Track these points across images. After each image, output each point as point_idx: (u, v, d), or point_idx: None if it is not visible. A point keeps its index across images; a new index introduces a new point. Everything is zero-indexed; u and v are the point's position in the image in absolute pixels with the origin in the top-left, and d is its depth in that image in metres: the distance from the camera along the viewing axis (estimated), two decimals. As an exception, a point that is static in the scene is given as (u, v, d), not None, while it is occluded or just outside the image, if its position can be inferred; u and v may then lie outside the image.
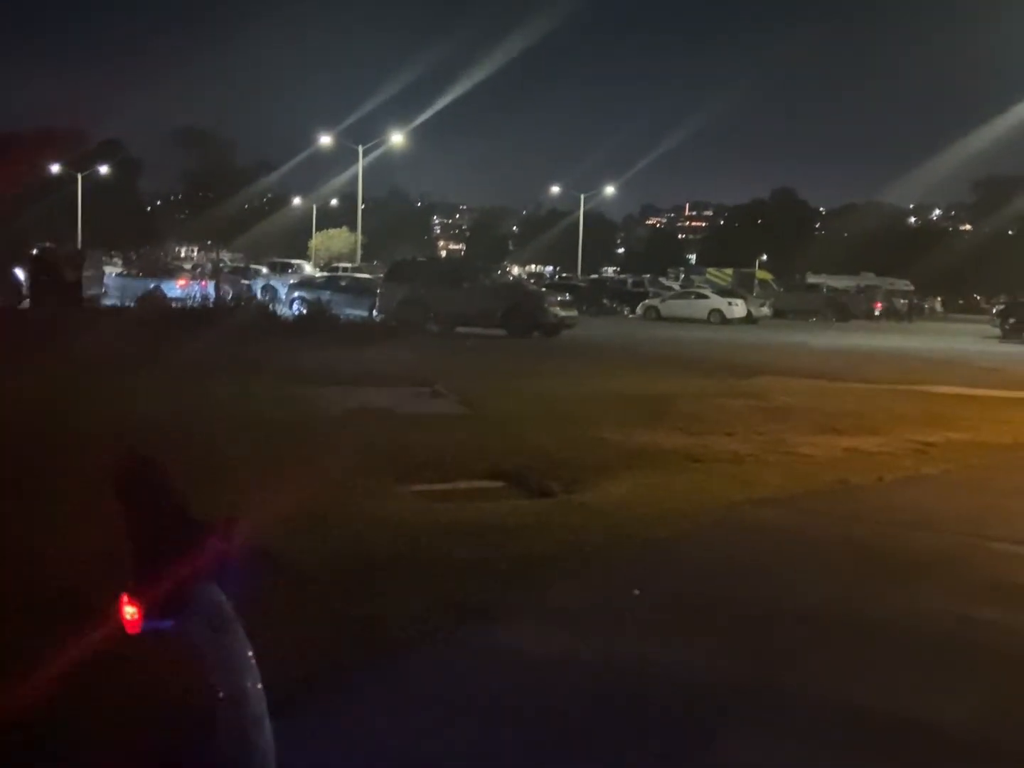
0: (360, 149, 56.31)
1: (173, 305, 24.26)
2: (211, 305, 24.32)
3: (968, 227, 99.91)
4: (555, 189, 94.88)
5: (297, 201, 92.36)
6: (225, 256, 73.86)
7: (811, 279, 62.27)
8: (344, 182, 77.61)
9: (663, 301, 44.38)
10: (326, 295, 28.81)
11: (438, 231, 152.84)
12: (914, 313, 56.57)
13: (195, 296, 25.42)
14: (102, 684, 3.41)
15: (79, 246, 53.20)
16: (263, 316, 23.25)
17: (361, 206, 59.27)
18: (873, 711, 3.74)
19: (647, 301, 44.99)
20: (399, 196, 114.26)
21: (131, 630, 1.40)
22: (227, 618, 1.45)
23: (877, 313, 52.79)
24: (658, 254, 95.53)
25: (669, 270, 68.71)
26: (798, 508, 7.16)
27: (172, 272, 41.37)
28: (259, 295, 35.50)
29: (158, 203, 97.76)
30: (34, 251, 30.59)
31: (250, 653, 1.45)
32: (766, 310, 47.50)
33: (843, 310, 50.26)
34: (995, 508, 7.42)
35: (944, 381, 17.31)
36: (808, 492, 7.68)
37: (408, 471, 7.65)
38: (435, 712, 3.65)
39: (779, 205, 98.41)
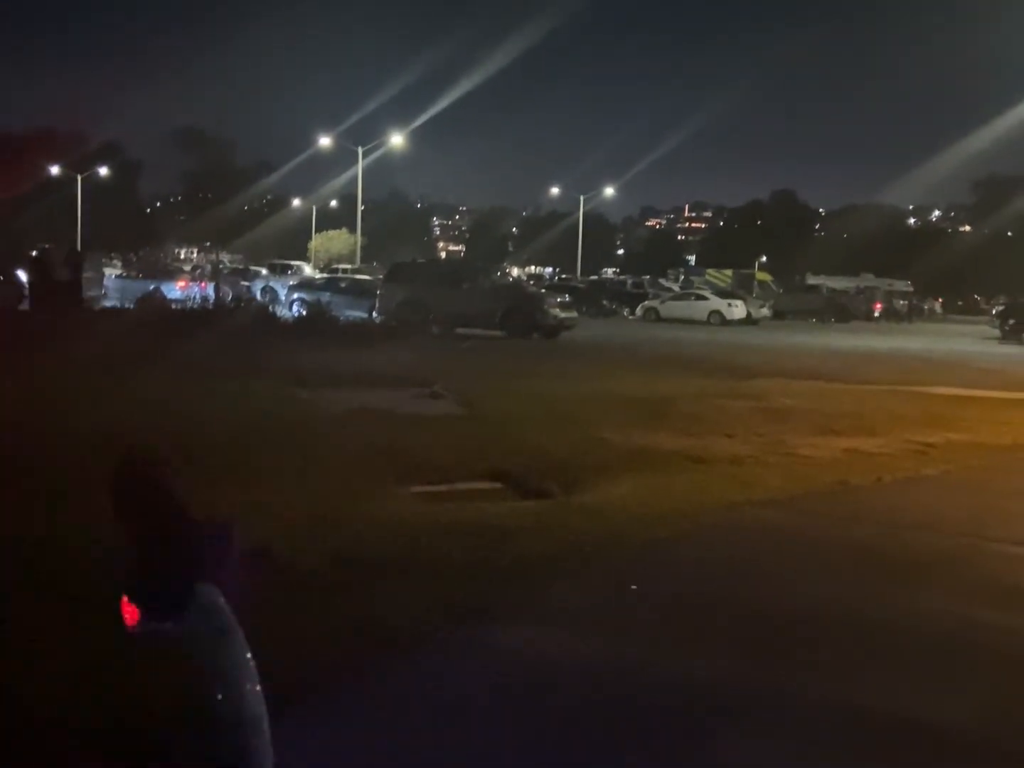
0: (360, 150, 56.36)
1: (173, 307, 24.22)
2: (211, 307, 24.29)
3: (967, 228, 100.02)
4: (554, 190, 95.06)
5: (297, 202, 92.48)
6: (225, 257, 73.91)
7: (811, 280, 62.31)
8: (344, 183, 77.79)
9: (663, 302, 44.39)
10: (326, 296, 28.82)
11: (438, 232, 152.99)
12: (914, 314, 56.63)
13: (195, 297, 25.37)
14: (101, 684, 3.41)
15: (78, 247, 53.14)
16: (263, 317, 23.22)
17: (361, 207, 59.31)
18: (873, 711, 3.74)
19: (647, 302, 45.00)
20: (399, 197, 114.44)
21: (130, 631, 1.40)
22: (226, 619, 1.44)
23: (877, 314, 52.85)
24: (657, 255, 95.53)
25: (669, 271, 68.65)
26: (798, 509, 7.16)
27: (172, 273, 41.35)
28: (259, 296, 35.54)
29: (158, 204, 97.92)
30: (33, 252, 30.60)
31: (249, 654, 1.45)
32: (766, 311, 47.51)
33: (843, 311, 50.29)
34: (995, 509, 7.42)
35: (944, 382, 17.32)
36: (808, 493, 7.68)
37: (408, 472, 7.65)
38: (435, 712, 3.65)
39: (778, 206, 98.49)
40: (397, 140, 59.07)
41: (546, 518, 6.44)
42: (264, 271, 49.82)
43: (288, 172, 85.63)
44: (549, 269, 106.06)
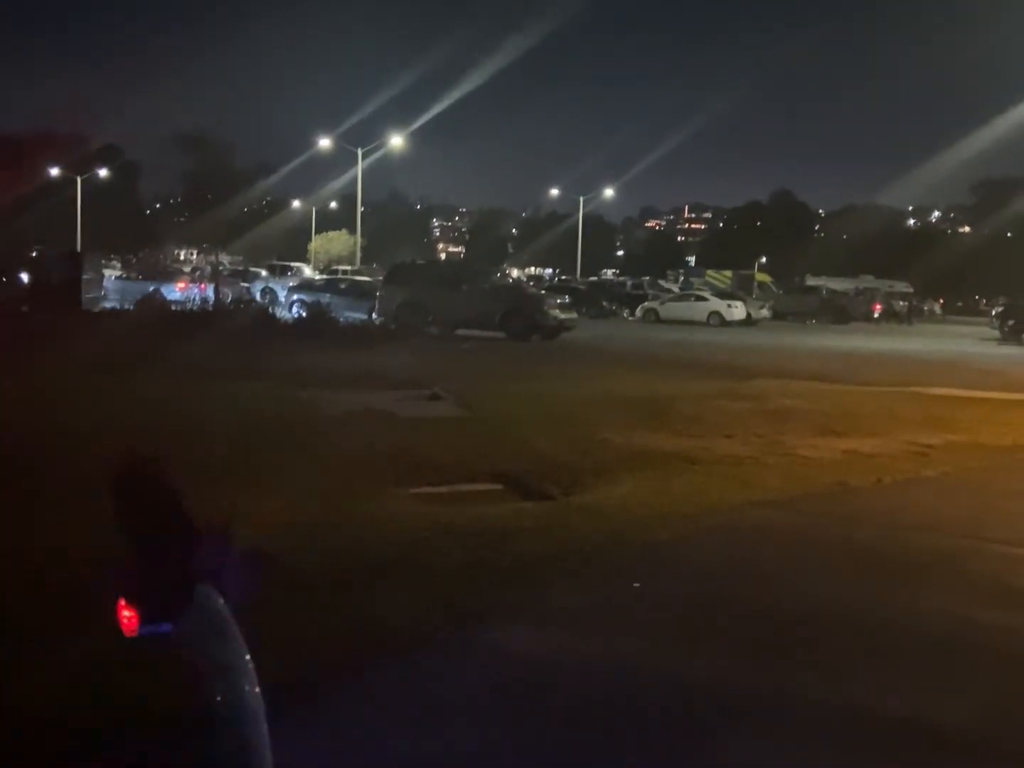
0: (359, 152, 56.31)
1: (172, 308, 24.23)
2: (210, 308, 24.30)
3: (967, 229, 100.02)
4: (554, 192, 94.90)
5: (296, 204, 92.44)
6: (224, 259, 73.92)
7: (810, 281, 62.28)
8: (343, 185, 77.71)
9: (662, 303, 44.38)
10: (325, 298, 28.83)
11: (437, 234, 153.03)
12: (913, 315, 56.57)
13: (194, 299, 25.36)
14: (100, 687, 3.41)
15: (78, 249, 53.15)
16: (262, 319, 23.23)
17: (360, 209, 59.25)
18: (873, 711, 3.74)
19: (646, 303, 44.98)
20: (398, 199, 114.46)
21: (128, 634, 1.40)
22: (225, 621, 1.44)
23: (876, 315, 52.80)
24: (657, 256, 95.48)
25: (668, 272, 68.61)
26: (797, 510, 7.16)
27: (171, 275, 41.36)
28: (258, 298, 35.56)
29: (157, 206, 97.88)
30: (33, 254, 30.62)
31: (248, 656, 1.45)
32: (765, 312, 47.48)
33: (842, 312, 50.26)
34: (994, 510, 7.42)
35: (943, 383, 17.32)
36: (807, 494, 7.69)
37: (408, 473, 7.65)
38: (435, 712, 3.65)
39: (778, 207, 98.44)
40: (397, 141, 59.02)
41: (546, 519, 6.44)
42: (264, 272, 49.82)
43: (288, 173, 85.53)
44: (549, 270, 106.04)
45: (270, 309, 27.21)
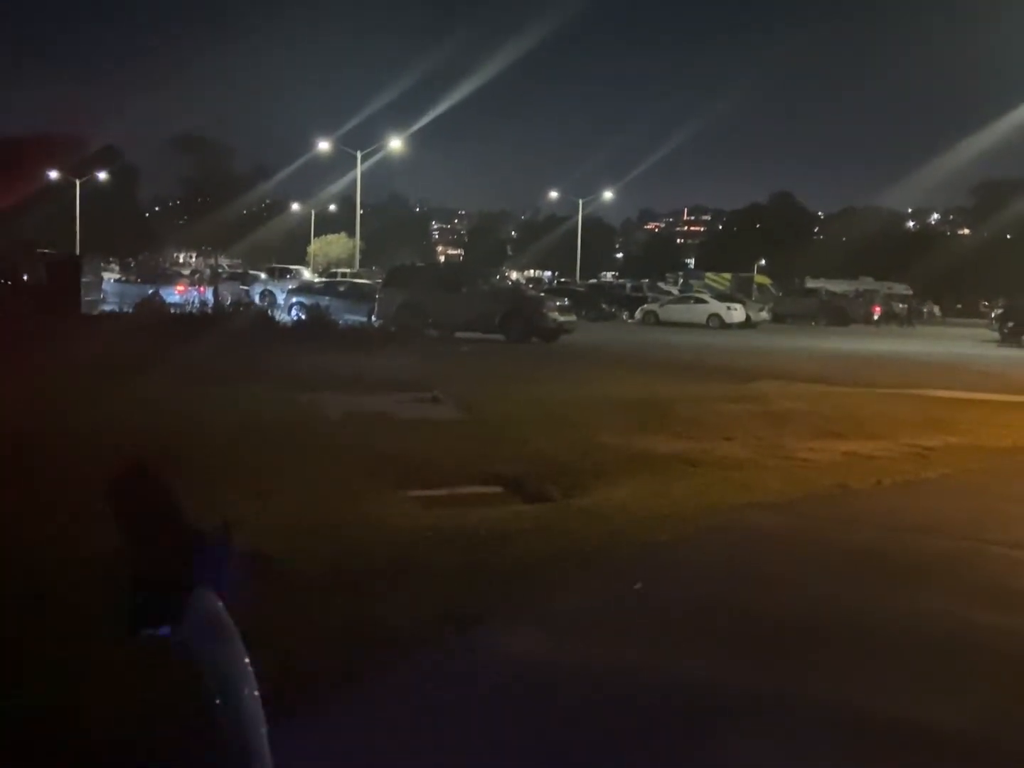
0: (359, 154, 56.33)
1: (171, 311, 24.23)
2: (209, 311, 24.29)
3: (966, 231, 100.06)
4: (553, 194, 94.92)
5: (295, 207, 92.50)
6: (223, 262, 74.01)
7: (810, 283, 62.24)
8: (343, 187, 77.85)
9: (662, 306, 44.41)
10: (324, 300, 28.83)
11: (436, 236, 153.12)
12: (913, 317, 56.56)
13: (193, 302, 25.37)
14: (98, 691, 3.40)
15: (77, 252, 53.15)
16: (261, 321, 23.25)
17: (359, 211, 59.26)
18: (873, 712, 3.74)
19: (646, 306, 45.00)
20: (398, 201, 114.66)
21: (127, 637, 1.39)
22: (224, 624, 1.44)
23: (876, 317, 52.79)
24: (657, 259, 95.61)
25: (668, 275, 68.68)
26: (797, 512, 7.16)
27: (170, 278, 41.44)
28: (257, 300, 35.59)
29: (156, 209, 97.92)
30: (32, 257, 30.57)
31: (247, 659, 1.44)
32: (765, 314, 47.50)
33: (842, 314, 50.29)
34: (994, 512, 7.42)
35: (943, 385, 17.32)
36: (807, 496, 7.68)
37: (407, 475, 7.65)
38: (435, 713, 3.65)
39: (777, 209, 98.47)
40: (396, 144, 59.01)
41: (546, 521, 6.44)
42: (263, 275, 49.88)
43: (287, 176, 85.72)
44: (548, 273, 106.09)
45: (269, 312, 27.23)
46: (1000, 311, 44.92)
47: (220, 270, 53.09)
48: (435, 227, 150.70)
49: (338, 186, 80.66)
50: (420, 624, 4.40)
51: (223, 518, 1.46)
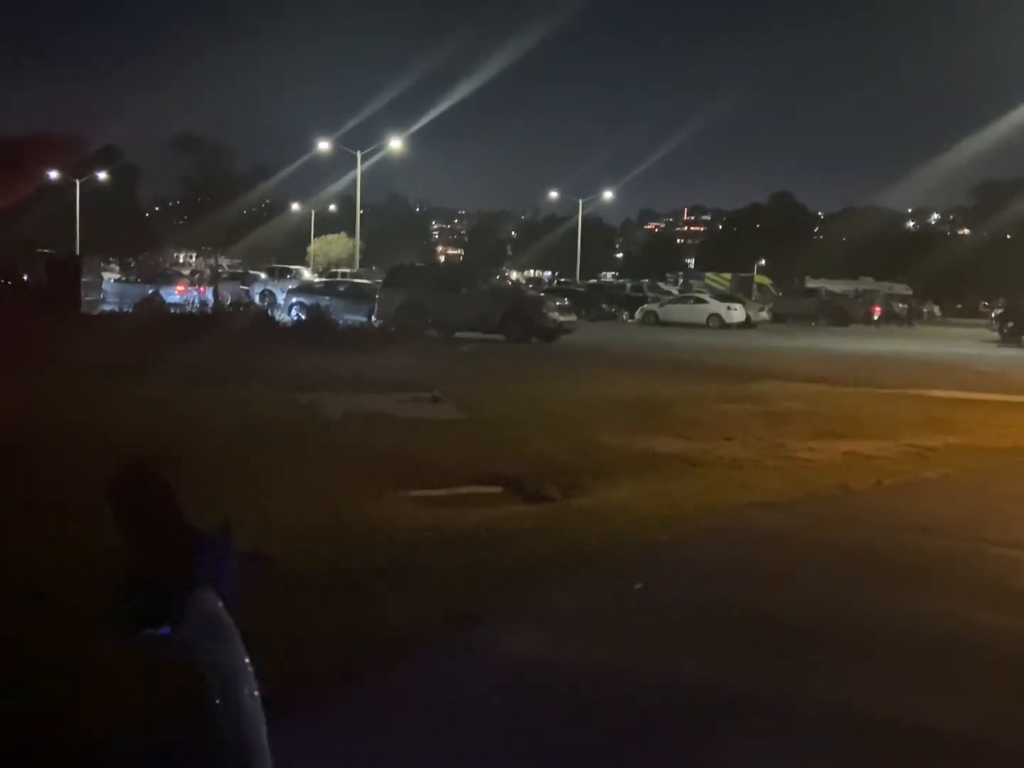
0: (359, 155, 56.32)
1: (171, 311, 24.23)
2: (209, 311, 24.29)
3: (966, 231, 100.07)
4: (553, 194, 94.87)
5: (295, 207, 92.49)
6: (223, 262, 73.99)
7: (810, 283, 62.24)
8: (343, 187, 77.83)
9: (662, 306, 44.39)
10: (325, 300, 28.82)
11: (436, 236, 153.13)
12: (913, 317, 56.56)
13: (193, 302, 25.37)
14: (98, 691, 3.40)
15: (77, 252, 53.17)
16: (261, 321, 23.23)
17: (360, 211, 59.25)
18: (873, 711, 3.74)
19: (646, 306, 44.97)
20: (398, 201, 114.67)
21: (128, 636, 1.39)
22: (224, 624, 1.44)
23: (876, 317, 52.79)
24: (657, 259, 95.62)
25: (668, 275, 68.67)
26: (797, 512, 7.16)
27: (170, 278, 41.40)
28: (257, 300, 35.60)
29: (156, 209, 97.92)
30: (32, 257, 30.58)
31: (247, 659, 1.44)
32: (765, 314, 47.49)
33: (842, 314, 50.28)
34: (994, 512, 7.42)
35: (943, 385, 17.32)
36: (807, 496, 7.68)
37: (408, 476, 7.65)
38: (435, 712, 3.65)
39: (777, 209, 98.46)
40: (396, 144, 59.00)
41: (546, 521, 6.44)
42: (263, 275, 49.86)
43: (287, 176, 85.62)
44: (548, 273, 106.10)
45: (269, 312, 27.22)
46: (1000, 311, 44.96)
47: (220, 270, 53.05)
48: (435, 227, 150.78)
49: (338, 186, 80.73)
50: (420, 624, 4.40)
51: (223, 518, 1.46)
